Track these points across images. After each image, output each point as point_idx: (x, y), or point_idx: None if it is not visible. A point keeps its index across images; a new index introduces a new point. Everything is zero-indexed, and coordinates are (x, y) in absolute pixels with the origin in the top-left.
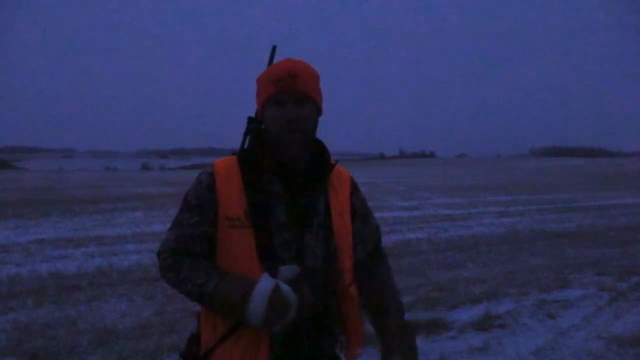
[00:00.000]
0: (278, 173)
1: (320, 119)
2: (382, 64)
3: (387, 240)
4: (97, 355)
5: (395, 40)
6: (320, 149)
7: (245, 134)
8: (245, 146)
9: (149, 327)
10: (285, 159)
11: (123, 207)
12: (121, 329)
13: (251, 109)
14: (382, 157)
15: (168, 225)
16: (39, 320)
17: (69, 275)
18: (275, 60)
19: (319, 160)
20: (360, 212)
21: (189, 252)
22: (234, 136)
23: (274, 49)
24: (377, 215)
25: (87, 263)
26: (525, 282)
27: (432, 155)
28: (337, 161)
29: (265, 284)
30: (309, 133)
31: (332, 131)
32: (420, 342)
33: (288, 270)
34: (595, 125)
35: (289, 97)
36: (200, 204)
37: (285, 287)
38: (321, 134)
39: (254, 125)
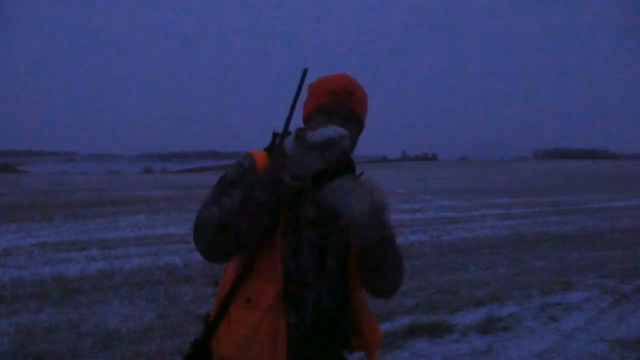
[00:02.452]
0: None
1: None
2: (383, 65)
3: None
4: (100, 359)
5: (397, 41)
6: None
7: (269, 150)
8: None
9: (151, 330)
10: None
11: (125, 210)
12: (123, 332)
13: (252, 111)
14: (384, 159)
15: (170, 229)
16: (41, 323)
17: (71, 279)
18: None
19: (346, 169)
20: None
21: None
22: (235, 139)
23: (305, 72)
24: None
25: (89, 266)
26: (528, 284)
27: (434, 157)
28: (362, 173)
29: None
30: (348, 150)
31: None
32: (422, 344)
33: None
34: (597, 127)
35: (340, 111)
36: (243, 181)
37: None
38: None
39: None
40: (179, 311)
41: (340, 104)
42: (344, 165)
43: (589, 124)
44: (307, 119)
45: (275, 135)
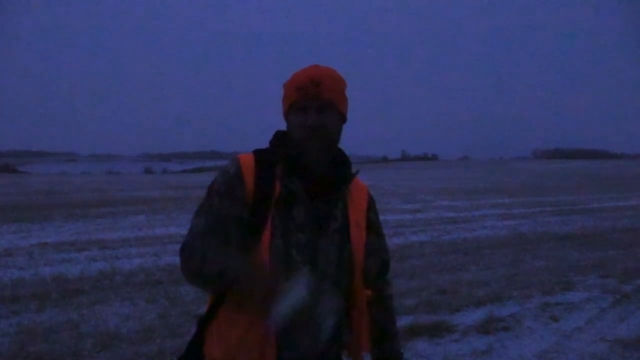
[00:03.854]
0: (296, 174)
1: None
2: (383, 65)
3: (390, 243)
4: (100, 359)
5: (397, 41)
6: (341, 156)
7: (258, 151)
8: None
9: (151, 330)
10: (306, 164)
11: (126, 210)
12: (124, 333)
13: (252, 111)
14: (384, 159)
15: (171, 229)
16: (42, 324)
17: (71, 279)
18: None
19: (340, 168)
20: (375, 226)
21: (221, 235)
22: (236, 139)
23: None
24: (380, 217)
25: (90, 267)
26: (529, 284)
27: (434, 157)
28: (357, 171)
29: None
30: (331, 140)
31: None
32: (423, 345)
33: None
34: (598, 127)
35: (312, 104)
36: (231, 190)
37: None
38: None
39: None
40: (179, 311)
41: (310, 97)
42: (339, 164)
43: (590, 123)
44: (286, 117)
45: (277, 133)
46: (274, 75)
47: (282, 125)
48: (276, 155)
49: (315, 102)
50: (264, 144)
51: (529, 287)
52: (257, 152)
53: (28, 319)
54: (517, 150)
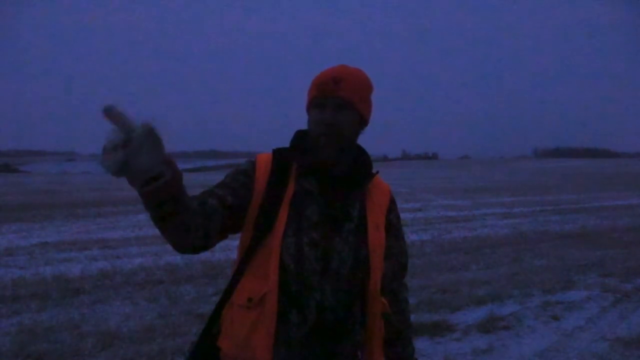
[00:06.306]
0: (312, 173)
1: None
2: (383, 64)
3: None
4: (101, 358)
5: (397, 40)
6: (362, 156)
7: (277, 150)
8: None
9: (152, 330)
10: (320, 161)
11: (126, 210)
12: (125, 332)
13: (252, 110)
14: (385, 159)
15: None
16: (42, 323)
17: (72, 279)
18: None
19: (360, 167)
20: (394, 228)
21: (199, 199)
22: (236, 139)
23: None
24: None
25: (90, 266)
26: (529, 283)
27: (435, 157)
28: (377, 171)
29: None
30: (345, 139)
31: None
32: (424, 344)
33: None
34: (598, 125)
35: (330, 101)
36: (232, 180)
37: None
38: None
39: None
40: (180, 311)
41: (328, 94)
42: (359, 164)
43: (590, 122)
44: (307, 113)
45: (297, 132)
46: (275, 75)
47: (282, 125)
48: (293, 154)
49: (334, 99)
50: (265, 143)
51: (530, 286)
52: (276, 151)
53: (29, 318)
54: (517, 149)
